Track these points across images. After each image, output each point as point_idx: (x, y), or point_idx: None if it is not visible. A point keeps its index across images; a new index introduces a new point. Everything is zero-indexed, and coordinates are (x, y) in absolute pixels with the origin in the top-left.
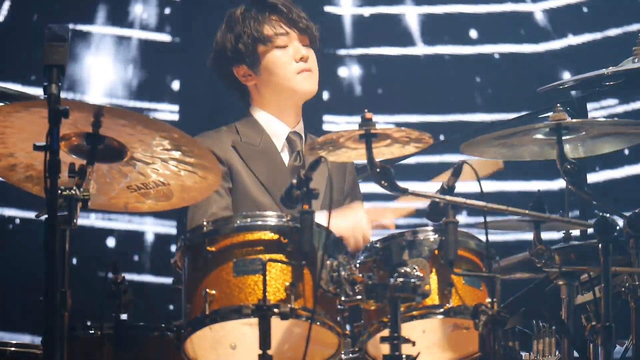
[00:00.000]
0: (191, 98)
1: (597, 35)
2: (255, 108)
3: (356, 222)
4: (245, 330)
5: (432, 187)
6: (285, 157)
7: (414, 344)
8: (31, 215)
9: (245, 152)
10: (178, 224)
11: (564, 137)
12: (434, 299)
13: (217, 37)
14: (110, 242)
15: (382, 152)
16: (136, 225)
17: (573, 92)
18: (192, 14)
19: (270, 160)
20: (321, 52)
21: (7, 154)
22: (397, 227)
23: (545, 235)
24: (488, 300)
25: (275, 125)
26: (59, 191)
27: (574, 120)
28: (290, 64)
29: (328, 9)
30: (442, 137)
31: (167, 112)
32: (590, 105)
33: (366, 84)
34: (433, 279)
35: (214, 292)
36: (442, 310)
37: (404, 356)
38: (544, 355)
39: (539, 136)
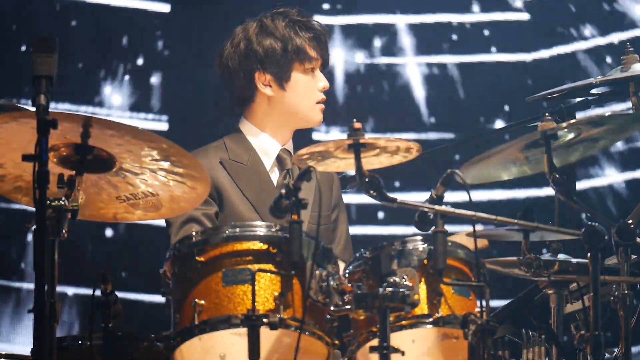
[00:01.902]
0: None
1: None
2: (246, 123)
3: None
4: (235, 340)
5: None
6: (275, 176)
7: (403, 353)
8: None
9: (233, 169)
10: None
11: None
12: (423, 308)
13: (249, 36)
14: None
15: (371, 162)
16: None
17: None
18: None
19: (257, 178)
20: None
21: None
22: (387, 237)
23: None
24: (477, 309)
25: (266, 142)
26: (48, 202)
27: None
28: (314, 91)
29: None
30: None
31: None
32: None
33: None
34: (422, 288)
35: (203, 302)
36: (431, 319)
37: None
38: None
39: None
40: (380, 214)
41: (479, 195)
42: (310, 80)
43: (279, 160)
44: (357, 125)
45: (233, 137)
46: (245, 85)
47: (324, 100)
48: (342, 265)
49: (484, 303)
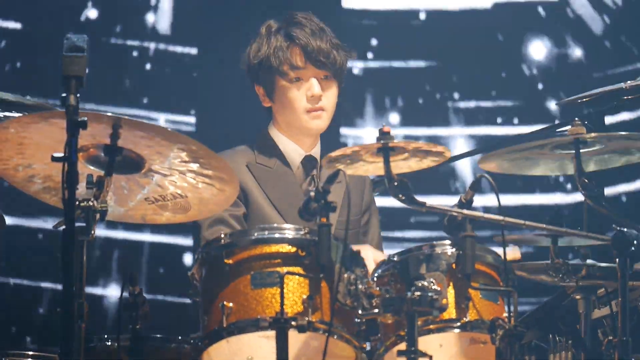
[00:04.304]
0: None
1: None
2: (272, 128)
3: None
4: (263, 343)
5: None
6: (301, 180)
7: (430, 357)
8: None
9: (259, 173)
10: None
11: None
12: (451, 312)
13: (252, 50)
14: None
15: (400, 166)
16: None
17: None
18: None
19: (283, 182)
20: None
21: (26, 164)
22: (416, 240)
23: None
24: (505, 314)
25: (291, 147)
26: (77, 202)
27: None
28: (301, 100)
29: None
30: None
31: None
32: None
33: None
34: (450, 292)
35: (231, 304)
36: (459, 324)
37: None
38: None
39: (558, 151)
40: None
41: (507, 200)
42: (295, 90)
43: (304, 167)
44: (387, 129)
45: (261, 140)
46: (259, 95)
47: (315, 109)
48: None
49: (512, 308)
